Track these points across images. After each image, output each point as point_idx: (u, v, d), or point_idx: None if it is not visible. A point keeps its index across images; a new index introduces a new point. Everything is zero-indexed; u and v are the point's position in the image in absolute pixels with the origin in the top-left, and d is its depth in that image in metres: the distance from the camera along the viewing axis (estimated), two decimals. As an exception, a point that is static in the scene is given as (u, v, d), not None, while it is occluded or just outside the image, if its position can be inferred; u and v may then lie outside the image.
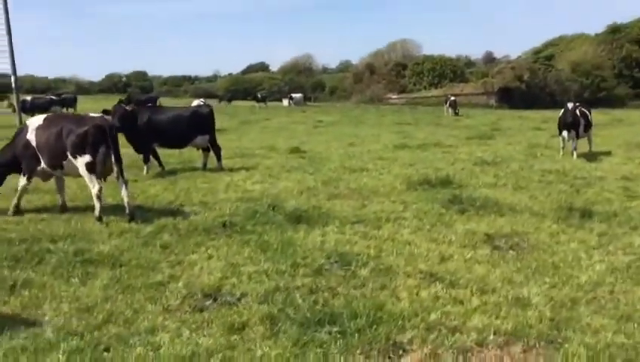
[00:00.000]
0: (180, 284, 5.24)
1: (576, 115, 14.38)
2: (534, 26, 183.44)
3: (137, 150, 12.34)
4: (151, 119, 12.13)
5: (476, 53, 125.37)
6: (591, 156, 14.94)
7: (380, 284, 5.22)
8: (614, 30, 73.00)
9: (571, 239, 6.85)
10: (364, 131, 25.12)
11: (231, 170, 12.47)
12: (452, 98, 40.30)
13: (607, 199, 9.36)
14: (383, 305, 4.60)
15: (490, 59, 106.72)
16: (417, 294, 4.96)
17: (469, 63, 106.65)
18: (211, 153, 12.79)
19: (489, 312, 4.59)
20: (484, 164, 13.26)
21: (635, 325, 4.37)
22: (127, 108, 12.16)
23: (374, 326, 4.24)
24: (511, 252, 6.35)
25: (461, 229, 7.27)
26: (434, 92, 67.68)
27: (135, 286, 5.17)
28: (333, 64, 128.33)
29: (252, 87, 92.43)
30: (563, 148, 14.92)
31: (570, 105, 14.56)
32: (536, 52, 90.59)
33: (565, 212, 8.02)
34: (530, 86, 59.93)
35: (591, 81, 63.27)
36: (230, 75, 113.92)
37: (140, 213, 7.93)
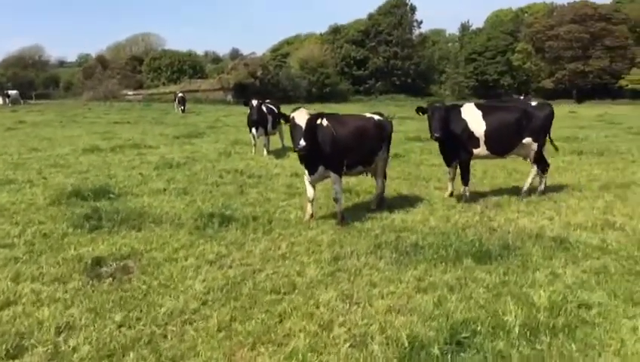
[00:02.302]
0: None
1: (262, 111, 14.46)
2: (278, 23, 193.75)
3: None
4: None
5: (225, 49, 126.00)
6: (281, 152, 15.27)
7: None
8: (335, 30, 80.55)
9: (192, 253, 6.22)
10: (68, 132, 22.45)
11: None
12: (180, 94, 39.25)
13: (266, 199, 9.21)
14: None
15: (236, 55, 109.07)
16: None
17: (216, 59, 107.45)
18: None
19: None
20: (167, 167, 12.37)
21: (176, 370, 3.72)
22: None
23: None
24: (108, 281, 5.40)
25: (70, 255, 6.10)
26: (172, 88, 65.76)
27: None
28: (72, 57, 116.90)
29: (-38, 82, 78.56)
30: (254, 145, 14.91)
31: (254, 102, 14.55)
32: (275, 50, 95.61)
33: (206, 219, 7.46)
34: (263, 82, 62.25)
35: (317, 77, 68.62)
36: None
37: None
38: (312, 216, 7.80)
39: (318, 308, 4.77)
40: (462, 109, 8.84)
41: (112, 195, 9.23)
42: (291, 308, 4.73)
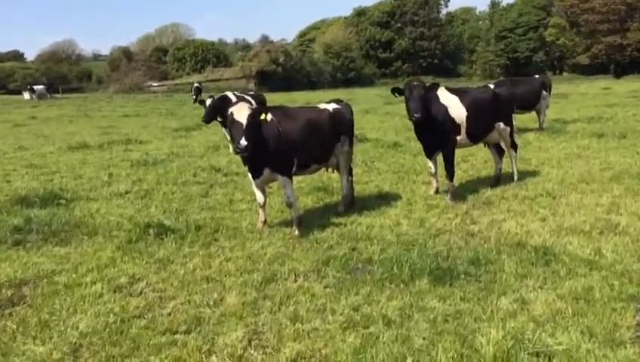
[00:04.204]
0: None
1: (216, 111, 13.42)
2: (308, 9, 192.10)
3: None
4: None
5: (255, 37, 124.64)
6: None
7: None
8: (360, 13, 78.69)
9: (104, 276, 5.36)
10: (72, 128, 22.09)
11: None
12: (196, 84, 38.62)
13: (229, 201, 8.36)
14: None
15: (266, 42, 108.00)
16: None
17: (247, 47, 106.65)
18: None
19: None
20: (143, 165, 11.59)
21: None
22: None
23: None
24: (-17, 315, 4.58)
25: (-36, 281, 5.32)
26: (195, 77, 65.35)
27: None
28: (106, 50, 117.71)
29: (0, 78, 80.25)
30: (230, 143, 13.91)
31: (209, 101, 13.50)
32: (302, 35, 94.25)
33: (141, 231, 6.57)
34: (286, 69, 61.20)
35: (341, 62, 67.15)
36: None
37: None
38: (264, 223, 6.85)
39: (209, 356, 3.83)
40: (439, 93, 7.74)
41: (62, 201, 8.46)
42: (175, 357, 3.80)
